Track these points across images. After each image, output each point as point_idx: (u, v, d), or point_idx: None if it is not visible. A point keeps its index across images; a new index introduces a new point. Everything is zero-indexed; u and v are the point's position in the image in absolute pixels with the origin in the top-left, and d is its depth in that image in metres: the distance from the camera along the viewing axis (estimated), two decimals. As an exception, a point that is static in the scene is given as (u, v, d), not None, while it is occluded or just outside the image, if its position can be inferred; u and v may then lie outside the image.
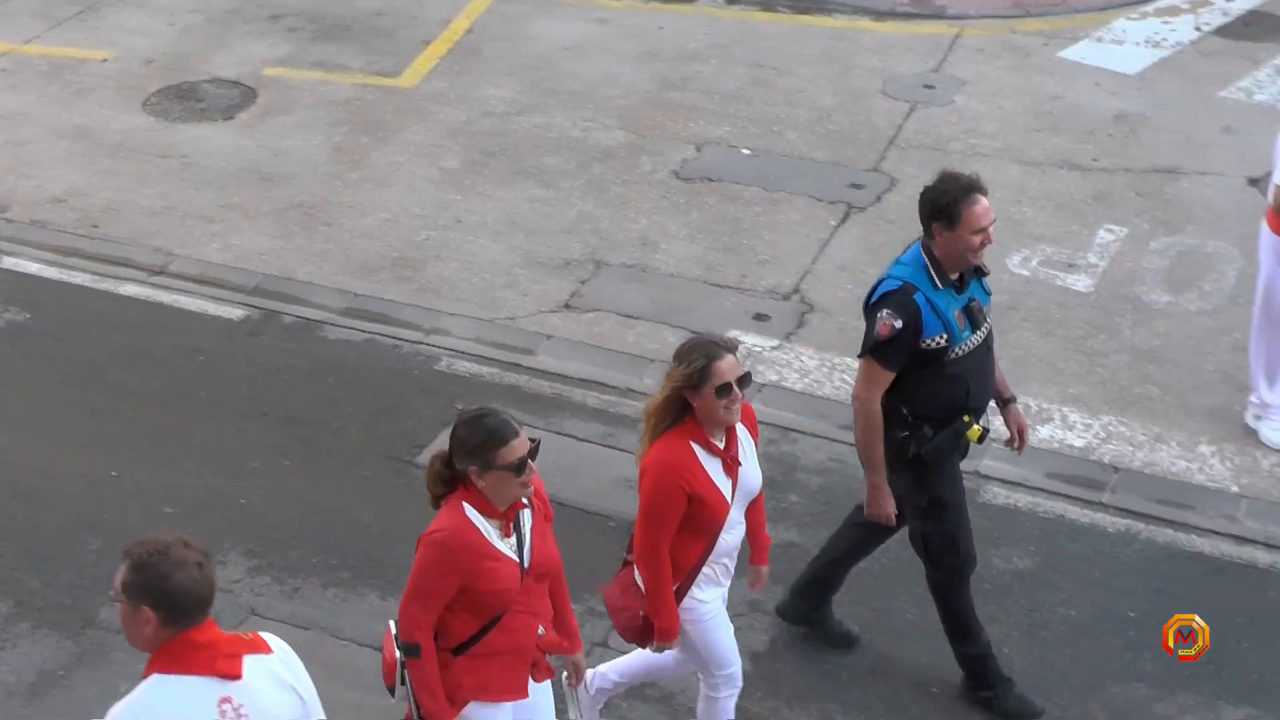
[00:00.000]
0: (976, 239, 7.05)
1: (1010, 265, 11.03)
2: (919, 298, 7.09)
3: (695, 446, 6.49)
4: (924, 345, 7.11)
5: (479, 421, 5.82)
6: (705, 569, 6.67)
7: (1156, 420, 9.66)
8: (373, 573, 8.46)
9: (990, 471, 9.17)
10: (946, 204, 7.08)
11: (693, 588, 6.67)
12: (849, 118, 12.96)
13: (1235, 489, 9.22)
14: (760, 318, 10.50)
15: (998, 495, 9.04)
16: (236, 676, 4.86)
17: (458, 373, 10.02)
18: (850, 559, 7.99)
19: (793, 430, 9.49)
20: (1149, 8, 14.99)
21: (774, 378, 9.95)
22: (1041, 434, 9.44)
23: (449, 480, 5.95)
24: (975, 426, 7.36)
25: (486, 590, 5.87)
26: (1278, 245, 9.20)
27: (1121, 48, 14.27)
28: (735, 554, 6.81)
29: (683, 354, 6.48)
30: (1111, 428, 9.60)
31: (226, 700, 4.83)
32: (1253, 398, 9.61)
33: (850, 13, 14.88)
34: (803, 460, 9.28)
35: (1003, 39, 14.40)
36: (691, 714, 7.35)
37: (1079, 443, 9.45)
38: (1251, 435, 9.57)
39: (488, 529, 5.88)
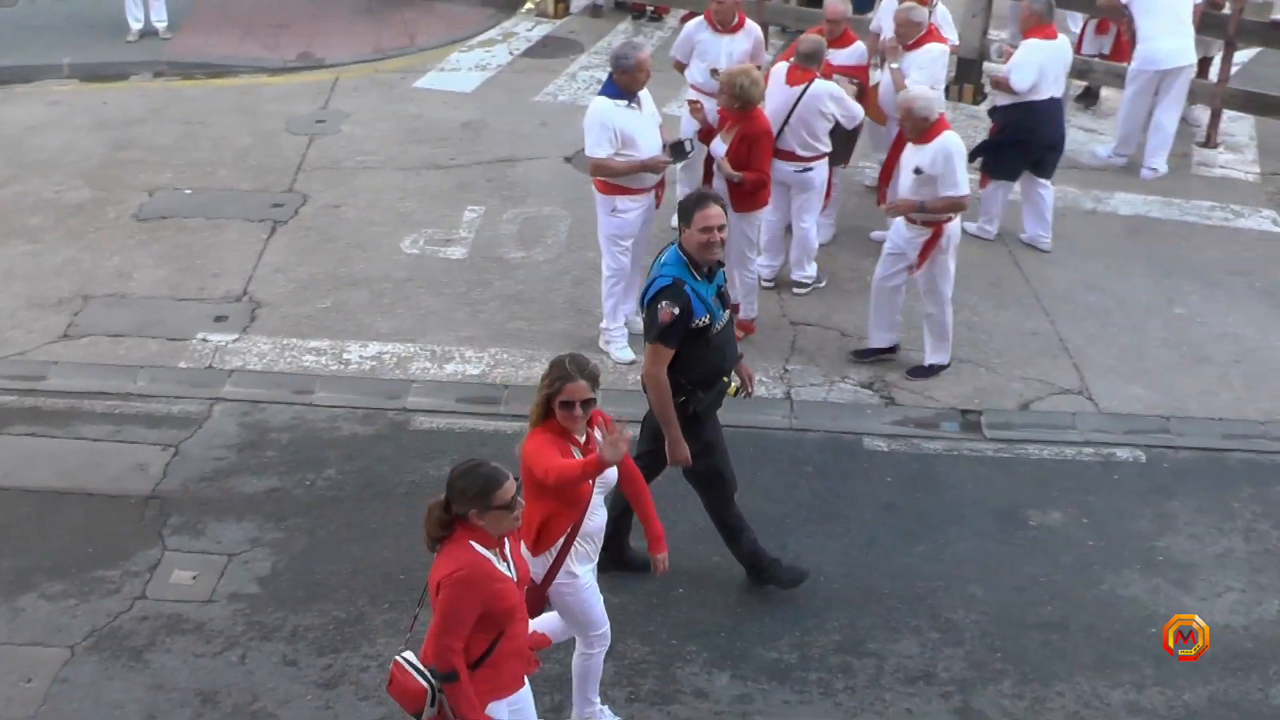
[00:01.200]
0: (704, 236, 7.02)
1: (404, 247, 11.03)
2: (687, 288, 7.01)
3: (563, 440, 6.20)
4: (694, 325, 7.03)
5: (474, 471, 5.46)
6: (576, 546, 6.31)
7: (528, 345, 9.82)
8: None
9: (415, 406, 9.23)
10: (686, 208, 7.12)
11: (567, 563, 6.31)
12: (264, 153, 12.62)
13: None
14: (220, 319, 10.11)
15: (424, 422, 9.09)
16: None
17: (-14, 404, 9.33)
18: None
19: (261, 402, 9.27)
20: (474, 41, 15.24)
21: (239, 363, 9.63)
22: (447, 370, 9.55)
23: (447, 524, 5.52)
24: (731, 385, 7.43)
25: (501, 609, 5.54)
26: (605, 201, 9.41)
27: (459, 73, 14.40)
28: (600, 537, 6.50)
29: (549, 371, 6.19)
30: (498, 356, 9.73)
31: None
32: (602, 325, 9.80)
33: (251, 72, 14.46)
34: (272, 423, 9.08)
35: (371, 78, 14.30)
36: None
37: (475, 371, 9.56)
38: (595, 341, 9.80)
39: (491, 557, 5.53)
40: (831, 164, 10.35)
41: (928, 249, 9.21)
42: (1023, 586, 7.79)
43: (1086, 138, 13.47)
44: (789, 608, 7.63)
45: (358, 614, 7.53)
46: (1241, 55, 14.43)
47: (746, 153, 9.33)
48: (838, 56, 10.43)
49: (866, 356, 9.76)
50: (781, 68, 10.12)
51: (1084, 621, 7.59)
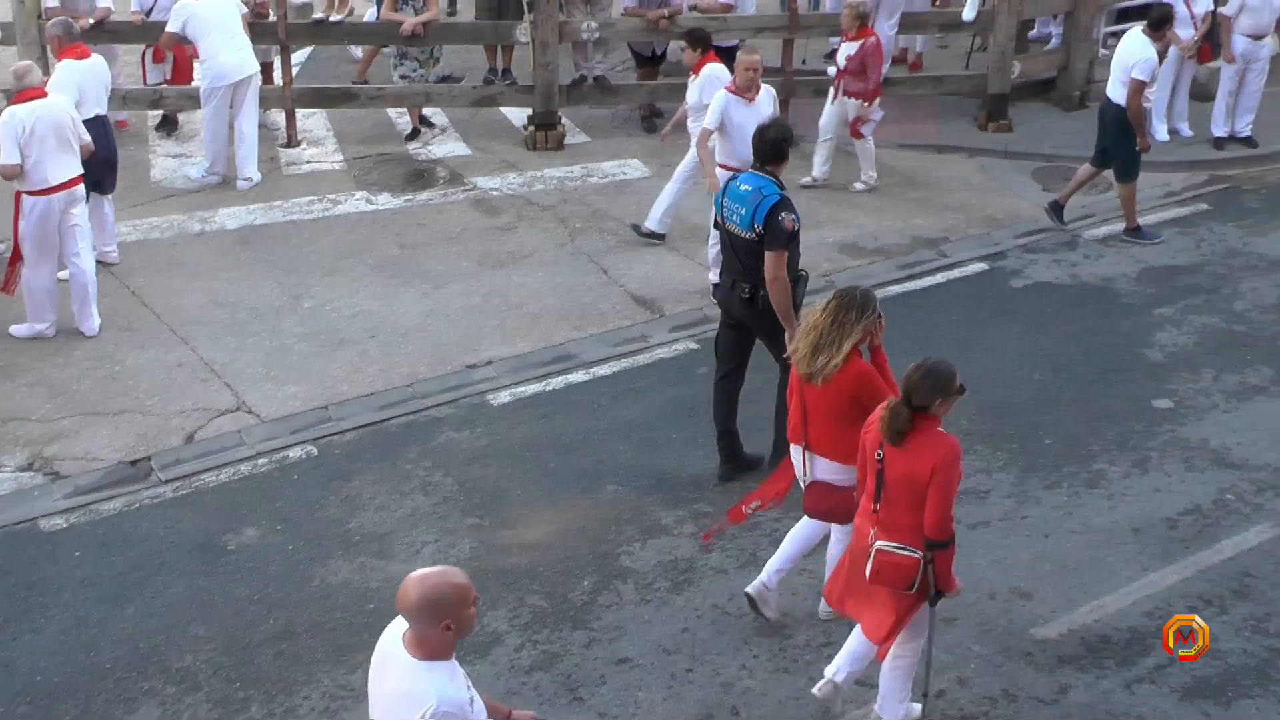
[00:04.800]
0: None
1: None
2: (787, 198, 8.26)
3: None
4: (796, 228, 8.20)
5: (936, 368, 6.21)
6: None
7: None
8: None
9: None
10: (790, 136, 8.54)
11: None
12: None
13: None
14: None
15: None
16: None
17: None
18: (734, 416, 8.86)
19: None
20: None
21: None
22: None
23: (911, 418, 6.20)
24: (806, 273, 8.50)
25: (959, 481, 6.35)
26: None
27: None
28: None
29: (861, 305, 6.93)
30: None
31: None
32: None
33: None
34: None
35: None
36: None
37: None
38: None
39: None
40: None
41: None
42: (241, 610, 7.81)
43: (177, 164, 13.55)
44: (10, 722, 7.16)
45: None
46: (298, 55, 15.11)
47: None
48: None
49: None
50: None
51: (308, 621, 7.74)
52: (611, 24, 14.05)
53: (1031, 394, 9.83)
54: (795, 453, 7.37)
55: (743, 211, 8.25)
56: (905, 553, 6.29)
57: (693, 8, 14.34)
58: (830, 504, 7.20)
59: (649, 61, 14.75)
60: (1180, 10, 13.74)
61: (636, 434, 9.41)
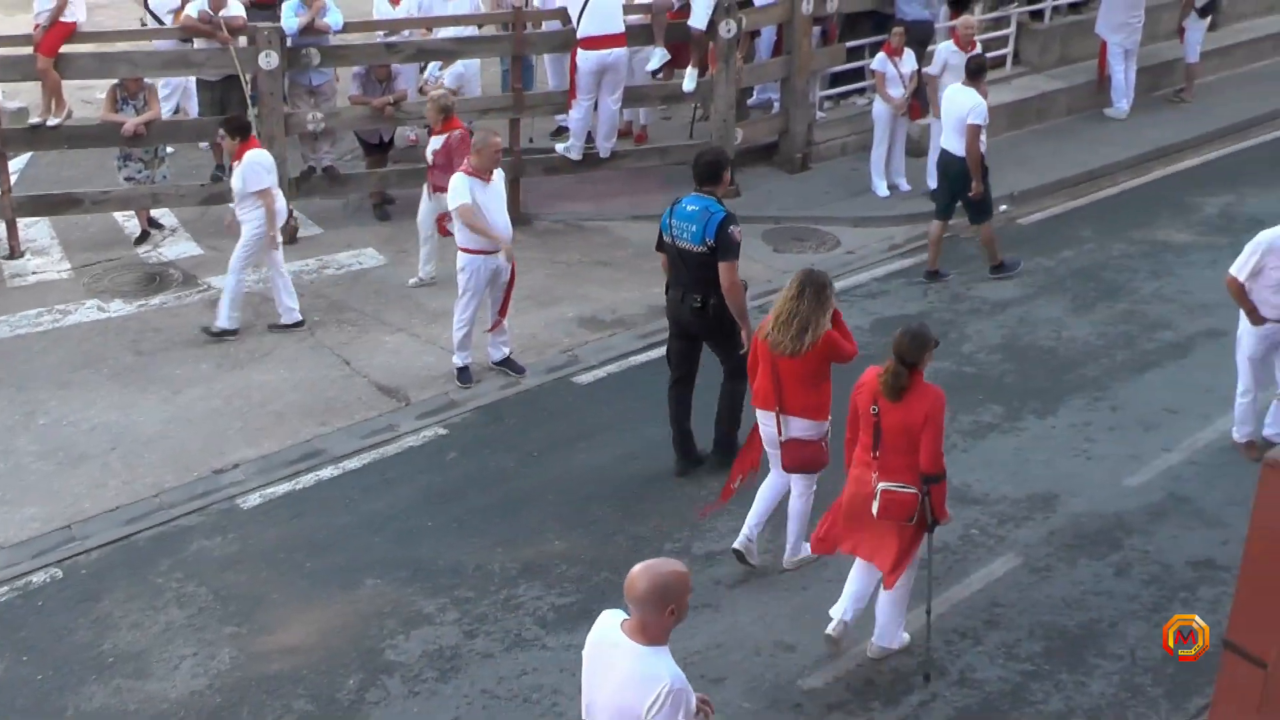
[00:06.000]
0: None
1: None
2: (732, 213, 9.06)
3: None
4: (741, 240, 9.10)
5: (920, 332, 7.40)
6: None
7: None
8: None
9: None
10: (724, 157, 9.42)
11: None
12: None
13: None
14: None
15: None
16: None
17: None
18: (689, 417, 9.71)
19: None
20: None
21: None
22: None
23: (908, 375, 7.38)
24: None
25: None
26: None
27: None
28: None
29: (829, 282, 8.14)
30: None
31: None
32: None
33: None
34: None
35: None
36: None
37: None
38: None
39: None
40: None
41: None
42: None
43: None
44: None
45: None
46: (16, 162, 14.57)
47: None
48: None
49: None
50: None
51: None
52: (337, 113, 13.96)
53: (779, 449, 10.06)
54: (767, 418, 8.35)
55: (693, 229, 9.05)
56: (905, 490, 7.42)
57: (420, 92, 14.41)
58: (805, 456, 8.28)
59: (377, 149, 14.71)
60: (890, 71, 14.38)
61: (391, 526, 9.30)
